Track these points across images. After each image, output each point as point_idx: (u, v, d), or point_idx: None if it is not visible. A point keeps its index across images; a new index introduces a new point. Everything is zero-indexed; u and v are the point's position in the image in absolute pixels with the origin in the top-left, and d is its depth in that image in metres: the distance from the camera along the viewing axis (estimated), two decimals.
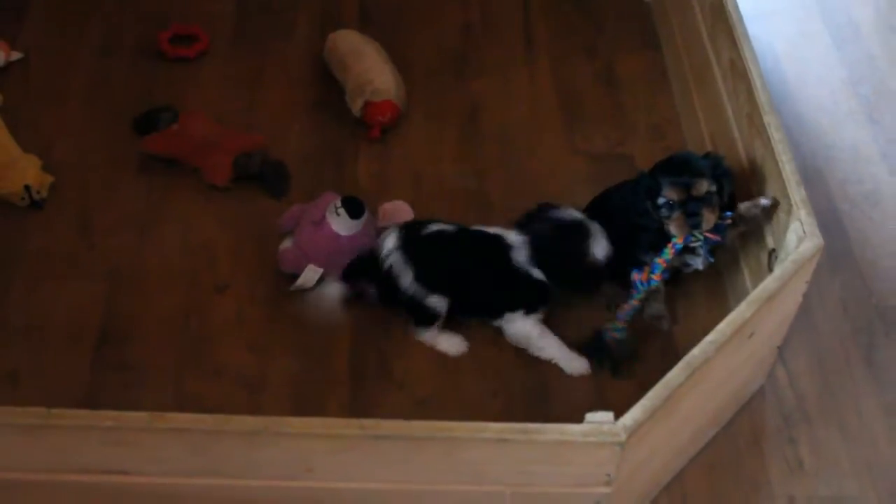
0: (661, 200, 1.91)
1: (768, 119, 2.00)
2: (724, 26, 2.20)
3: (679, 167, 1.93)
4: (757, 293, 1.75)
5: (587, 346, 2.03)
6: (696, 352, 1.67)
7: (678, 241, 1.92)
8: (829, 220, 2.28)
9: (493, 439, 1.57)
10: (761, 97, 2.03)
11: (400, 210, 2.23)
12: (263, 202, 2.27)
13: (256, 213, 2.25)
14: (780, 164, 1.93)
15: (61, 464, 1.60)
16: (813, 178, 2.37)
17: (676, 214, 1.90)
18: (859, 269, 2.23)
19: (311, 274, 2.07)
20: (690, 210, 1.89)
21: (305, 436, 1.56)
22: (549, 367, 2.02)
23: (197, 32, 2.56)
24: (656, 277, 1.94)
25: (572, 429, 1.58)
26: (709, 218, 1.90)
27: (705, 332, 2.02)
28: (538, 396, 2.00)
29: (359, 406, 1.96)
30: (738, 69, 2.13)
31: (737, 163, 2.09)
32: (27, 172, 2.20)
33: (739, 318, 1.72)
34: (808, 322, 2.12)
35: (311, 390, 1.98)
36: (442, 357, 2.04)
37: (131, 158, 2.32)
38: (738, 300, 2.07)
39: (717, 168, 1.92)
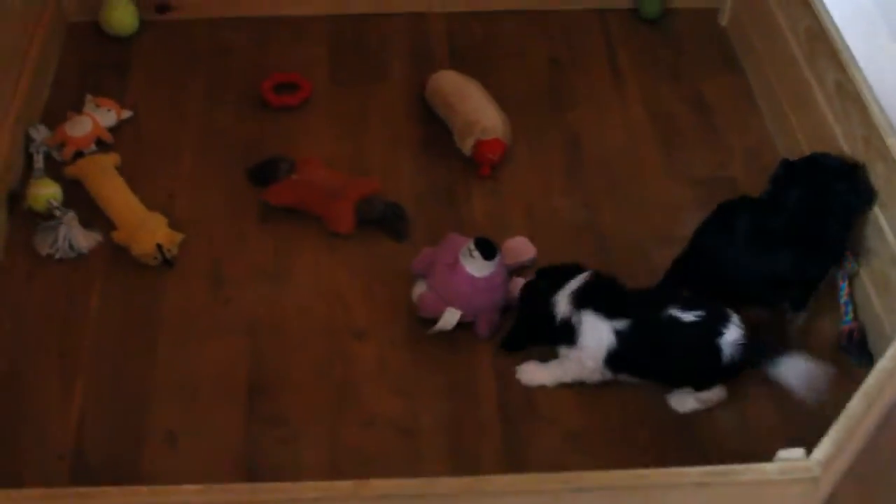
0: None
1: (891, 141, 1.91)
2: (827, 49, 2.12)
3: None
4: None
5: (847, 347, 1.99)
6: (871, 381, 1.59)
7: None
8: None
9: (693, 483, 1.48)
10: (880, 120, 1.95)
11: (522, 247, 2.14)
12: (386, 245, 2.16)
13: (381, 257, 2.14)
14: None
15: None
16: None
17: None
18: None
19: (450, 317, 1.98)
20: None
21: (509, 493, 1.47)
22: None
23: (296, 80, 2.45)
24: None
25: (769, 468, 1.50)
26: None
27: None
28: (682, 423, 1.91)
29: (512, 445, 1.86)
30: (848, 91, 2.04)
31: None
32: (157, 232, 2.09)
33: None
34: None
35: (464, 432, 1.88)
36: (583, 388, 1.95)
37: (251, 209, 2.21)
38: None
39: None
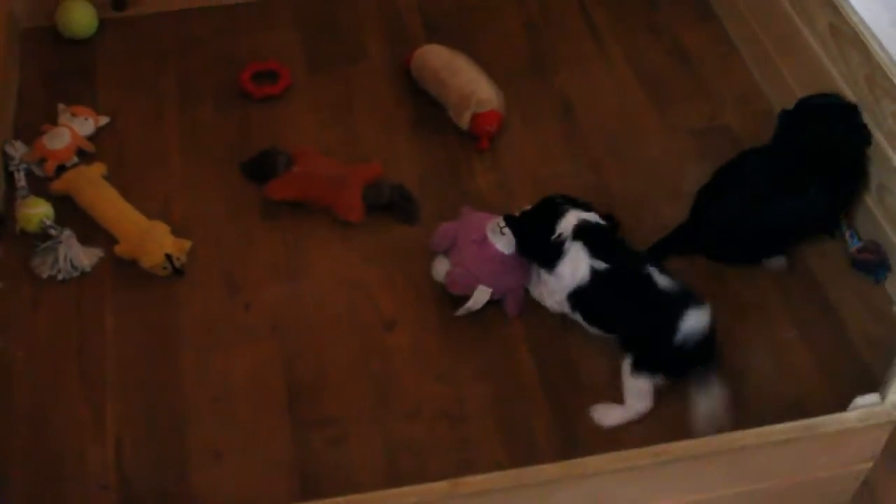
0: None
1: None
2: None
3: None
4: None
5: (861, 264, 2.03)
6: None
7: None
8: None
9: (780, 441, 1.49)
10: (883, 58, 1.97)
11: None
12: (397, 230, 2.11)
13: (394, 242, 2.09)
14: None
15: None
16: None
17: None
18: None
19: (480, 295, 1.94)
20: None
21: (603, 473, 1.46)
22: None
23: (275, 67, 2.36)
24: None
25: (849, 416, 1.53)
26: None
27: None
28: (723, 378, 1.90)
29: (562, 419, 1.85)
30: (844, 33, 2.05)
31: None
32: (164, 241, 2.00)
33: None
34: None
35: (512, 411, 1.86)
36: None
37: (252, 206, 2.13)
38: None
39: None
